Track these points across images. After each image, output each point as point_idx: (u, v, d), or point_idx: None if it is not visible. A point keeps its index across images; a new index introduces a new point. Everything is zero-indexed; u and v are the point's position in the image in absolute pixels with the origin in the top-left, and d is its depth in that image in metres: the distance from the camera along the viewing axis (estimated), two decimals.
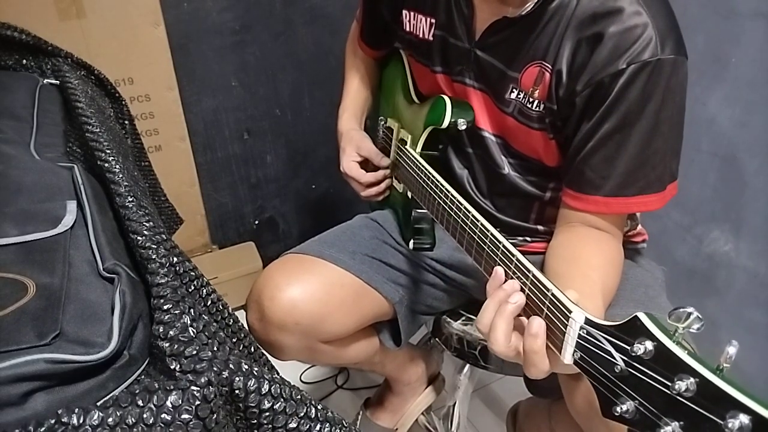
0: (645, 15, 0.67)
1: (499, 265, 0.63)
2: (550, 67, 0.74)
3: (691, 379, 0.40)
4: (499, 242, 0.63)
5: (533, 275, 0.57)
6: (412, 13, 0.90)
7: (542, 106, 0.76)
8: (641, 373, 0.44)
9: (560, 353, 0.54)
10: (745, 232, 1.23)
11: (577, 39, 0.71)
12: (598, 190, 0.73)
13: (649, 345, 0.43)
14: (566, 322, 0.53)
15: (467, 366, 1.06)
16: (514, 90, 0.78)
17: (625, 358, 0.46)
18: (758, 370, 1.27)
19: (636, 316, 0.45)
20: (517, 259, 0.60)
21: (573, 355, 0.52)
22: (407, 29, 0.92)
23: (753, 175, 1.19)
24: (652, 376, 0.43)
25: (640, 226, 0.92)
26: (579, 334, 0.51)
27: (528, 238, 0.93)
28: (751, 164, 1.19)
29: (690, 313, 0.43)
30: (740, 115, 1.18)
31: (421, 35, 0.89)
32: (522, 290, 0.59)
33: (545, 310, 0.56)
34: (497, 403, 1.41)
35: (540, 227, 0.91)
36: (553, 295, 0.55)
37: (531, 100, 0.77)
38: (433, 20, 0.86)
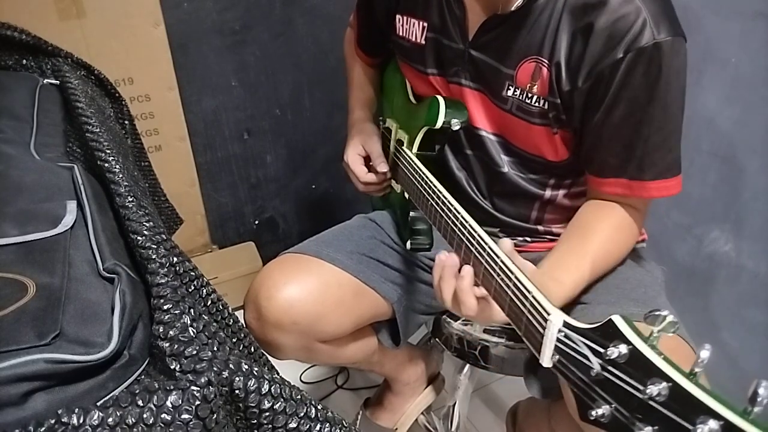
0: (635, 1, 0.67)
1: (485, 265, 0.64)
2: (546, 61, 0.74)
3: (663, 384, 0.39)
4: (486, 243, 0.63)
5: (515, 277, 0.58)
6: (405, 18, 0.91)
7: (543, 101, 0.76)
8: (616, 377, 0.44)
9: (539, 355, 0.54)
10: (745, 232, 1.23)
11: (572, 31, 0.71)
12: (622, 173, 0.75)
13: (623, 348, 0.43)
14: (545, 324, 0.53)
15: (467, 366, 1.06)
16: (510, 87, 0.79)
17: (601, 362, 0.45)
18: (758, 370, 1.27)
19: (611, 318, 0.45)
20: (501, 261, 0.60)
21: (552, 358, 0.52)
22: (400, 34, 0.92)
23: (753, 175, 1.19)
24: (626, 380, 0.43)
25: None
26: (557, 337, 0.51)
27: (528, 239, 0.93)
28: (751, 164, 1.18)
29: (665, 317, 0.42)
30: (740, 115, 1.18)
31: (413, 39, 0.90)
32: (506, 292, 0.60)
33: (525, 312, 0.56)
34: (497, 403, 1.41)
35: (540, 227, 0.91)
36: (533, 297, 0.55)
37: (530, 95, 0.77)
38: (425, 23, 0.87)
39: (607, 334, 0.45)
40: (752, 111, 1.16)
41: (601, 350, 0.45)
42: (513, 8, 0.74)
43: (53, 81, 1.01)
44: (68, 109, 0.92)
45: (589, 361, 0.47)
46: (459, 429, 1.15)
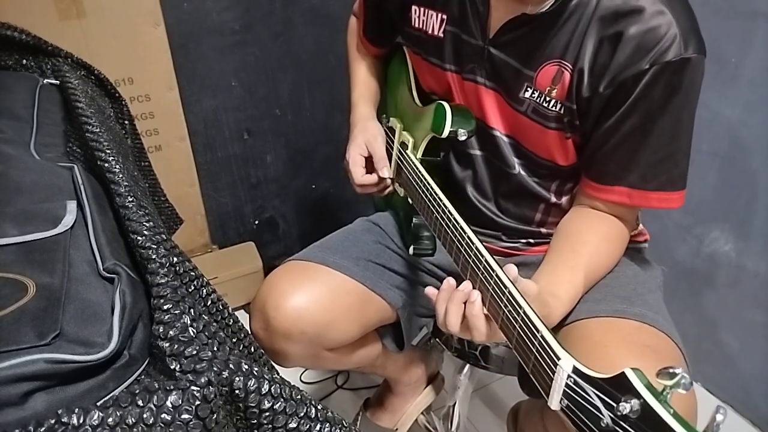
0: (668, 14, 0.67)
1: (491, 293, 0.62)
2: (570, 66, 0.73)
3: None
4: (493, 271, 0.62)
5: (524, 312, 0.57)
6: (422, 9, 0.88)
7: (560, 105, 0.75)
8: None
9: (548, 398, 0.53)
10: (746, 232, 1.23)
11: (599, 37, 0.71)
12: (622, 181, 0.75)
13: (635, 404, 0.43)
14: (554, 368, 0.52)
15: (467, 366, 1.06)
16: (528, 89, 0.77)
17: (612, 415, 0.45)
18: (758, 370, 1.27)
19: (623, 372, 0.44)
20: (509, 292, 0.59)
21: (560, 402, 0.52)
22: (416, 25, 0.89)
23: (753, 176, 1.19)
24: None
25: (641, 226, 0.92)
26: (566, 383, 0.51)
27: (531, 240, 0.93)
28: (752, 164, 1.19)
29: (677, 373, 0.42)
30: (740, 115, 1.18)
31: (430, 31, 0.87)
32: (513, 326, 0.59)
33: (534, 351, 0.55)
34: (497, 403, 1.41)
35: (543, 230, 0.91)
36: (542, 337, 0.54)
37: (548, 99, 0.76)
38: (444, 16, 0.84)
39: (619, 386, 0.44)
40: (752, 111, 1.16)
41: (613, 404, 0.45)
42: (543, 9, 0.73)
43: (53, 81, 1.01)
44: (68, 109, 0.92)
45: (600, 412, 0.46)
46: (459, 429, 1.15)
